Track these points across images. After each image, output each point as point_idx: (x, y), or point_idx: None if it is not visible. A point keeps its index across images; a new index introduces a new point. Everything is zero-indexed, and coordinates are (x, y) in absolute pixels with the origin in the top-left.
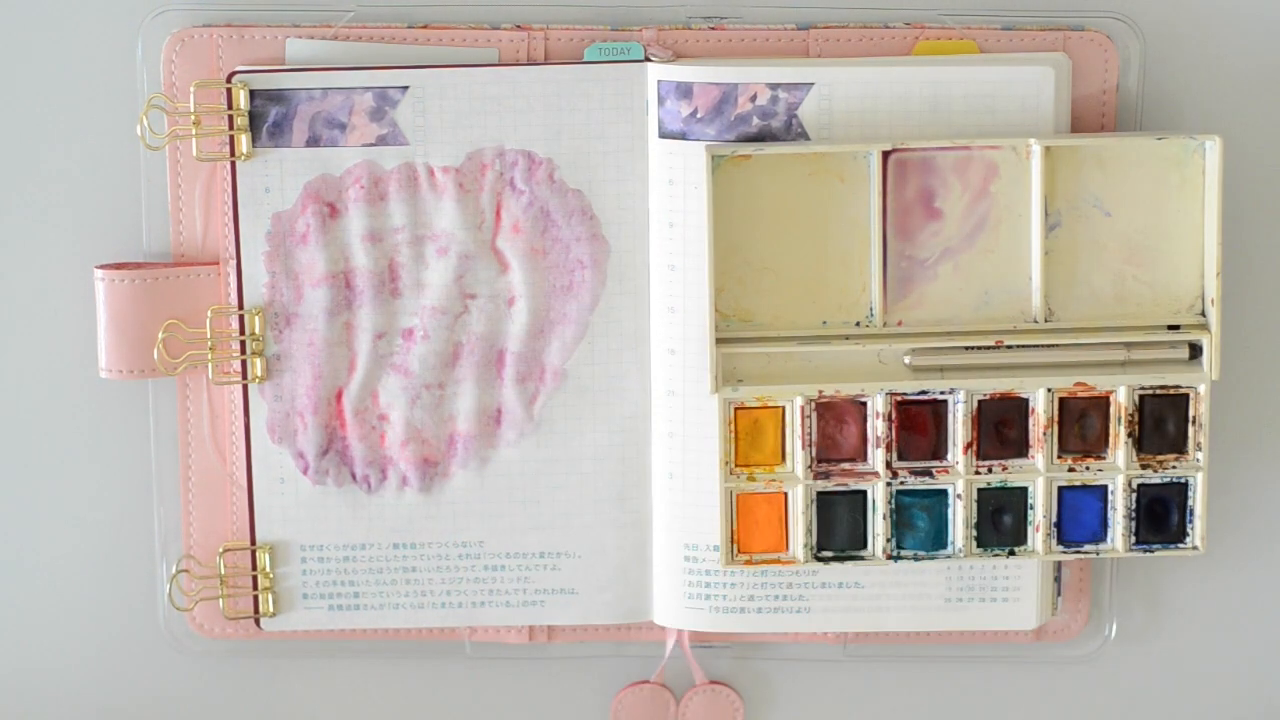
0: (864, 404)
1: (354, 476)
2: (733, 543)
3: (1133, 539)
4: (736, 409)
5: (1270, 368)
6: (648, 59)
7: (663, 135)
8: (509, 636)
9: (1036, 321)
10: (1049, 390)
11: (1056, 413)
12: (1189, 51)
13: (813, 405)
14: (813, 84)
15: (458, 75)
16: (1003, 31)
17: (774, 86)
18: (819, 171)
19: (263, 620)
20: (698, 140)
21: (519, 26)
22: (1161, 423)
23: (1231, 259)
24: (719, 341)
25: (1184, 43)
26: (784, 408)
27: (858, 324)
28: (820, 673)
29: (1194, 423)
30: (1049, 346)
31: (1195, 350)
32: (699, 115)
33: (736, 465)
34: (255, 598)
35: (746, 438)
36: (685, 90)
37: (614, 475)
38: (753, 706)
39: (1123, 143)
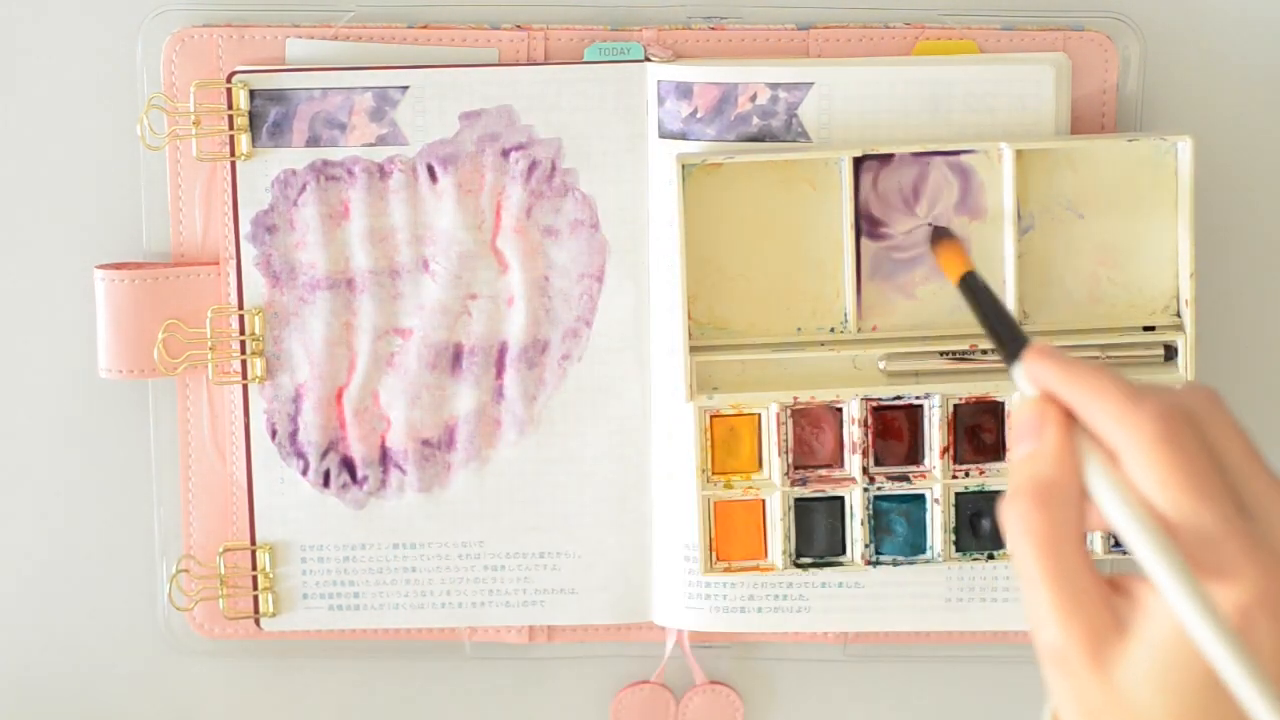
0: (839, 410)
1: (354, 476)
2: (711, 550)
3: (1110, 541)
4: (712, 417)
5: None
6: (648, 59)
7: (663, 135)
8: (509, 636)
9: None
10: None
11: None
12: (1189, 51)
13: (788, 412)
14: (813, 84)
15: (458, 75)
16: (1003, 31)
17: (774, 86)
18: (790, 177)
19: (263, 620)
20: (698, 140)
21: (519, 26)
22: None
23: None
24: (693, 350)
25: (1184, 43)
26: (760, 415)
27: (832, 330)
28: (820, 673)
29: None
30: None
31: (1170, 351)
32: (699, 115)
33: (713, 473)
34: (255, 598)
35: (723, 446)
36: (685, 90)
37: (614, 475)
38: (753, 706)
39: (1094, 145)
